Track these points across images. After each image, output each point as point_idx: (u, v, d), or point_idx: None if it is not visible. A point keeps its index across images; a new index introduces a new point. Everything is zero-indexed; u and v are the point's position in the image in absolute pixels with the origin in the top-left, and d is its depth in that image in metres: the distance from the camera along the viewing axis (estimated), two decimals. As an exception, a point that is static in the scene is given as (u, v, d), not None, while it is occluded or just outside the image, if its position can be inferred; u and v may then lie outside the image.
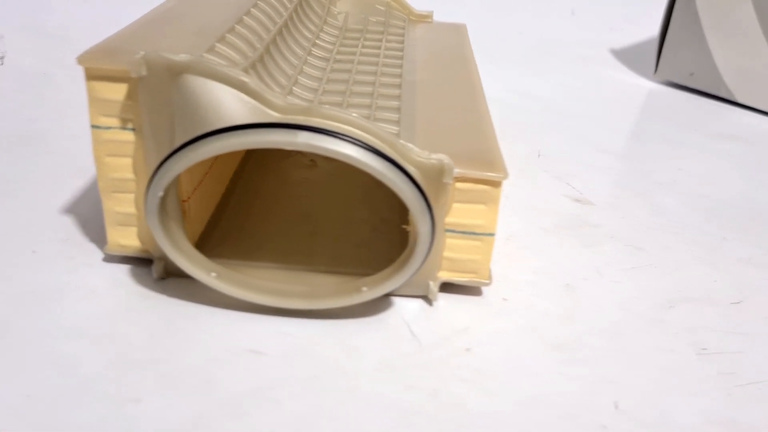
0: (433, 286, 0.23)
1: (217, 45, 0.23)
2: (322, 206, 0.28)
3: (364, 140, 0.20)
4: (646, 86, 0.51)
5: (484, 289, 0.25)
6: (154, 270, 0.23)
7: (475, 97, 0.29)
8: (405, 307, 0.23)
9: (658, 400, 0.20)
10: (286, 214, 0.27)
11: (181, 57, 0.20)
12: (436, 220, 0.21)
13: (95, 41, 0.23)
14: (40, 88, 0.39)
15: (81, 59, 0.21)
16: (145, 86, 0.21)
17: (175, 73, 0.20)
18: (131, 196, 0.23)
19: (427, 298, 0.24)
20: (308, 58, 0.29)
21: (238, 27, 0.25)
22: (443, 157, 0.21)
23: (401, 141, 0.21)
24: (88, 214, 0.27)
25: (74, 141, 0.33)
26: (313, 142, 0.19)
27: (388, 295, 0.24)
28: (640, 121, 0.44)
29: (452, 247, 0.23)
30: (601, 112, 0.45)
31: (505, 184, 0.25)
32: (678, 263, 0.28)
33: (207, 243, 0.25)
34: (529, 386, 0.21)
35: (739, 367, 0.22)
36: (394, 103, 0.26)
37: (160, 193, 0.20)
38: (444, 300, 0.24)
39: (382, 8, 0.39)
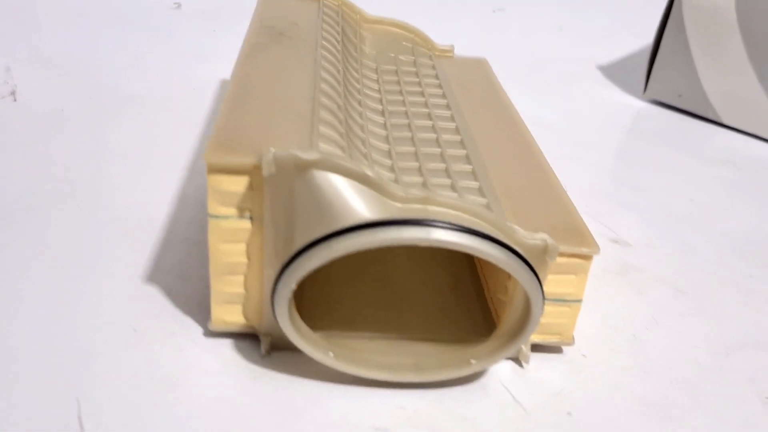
0: (525, 350, 0.25)
1: (322, 129, 0.23)
2: (394, 266, 0.29)
3: (483, 229, 0.21)
4: (636, 105, 0.53)
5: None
6: (263, 346, 0.24)
7: (532, 150, 0.30)
8: (499, 370, 0.25)
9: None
10: (362, 277, 0.28)
11: (310, 155, 0.21)
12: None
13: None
14: (62, 129, 0.38)
15: (207, 156, 0.21)
16: (270, 181, 0.21)
17: (301, 168, 0.21)
18: (241, 277, 0.23)
19: (517, 360, 0.25)
20: (366, 113, 0.30)
21: (323, 100, 0.26)
22: (546, 237, 0.23)
23: (508, 224, 0.22)
24: (174, 286, 0.27)
25: (122, 191, 0.33)
26: (445, 238, 0.21)
27: (480, 358, 0.25)
28: (640, 146, 0.46)
29: (545, 314, 0.25)
30: (601, 136, 0.47)
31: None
32: (721, 306, 0.30)
33: (302, 315, 0.25)
34: (631, 447, 0.23)
35: (799, 412, 0.25)
36: (467, 167, 0.27)
37: (293, 286, 0.21)
38: (530, 360, 0.26)
39: (409, 45, 0.40)
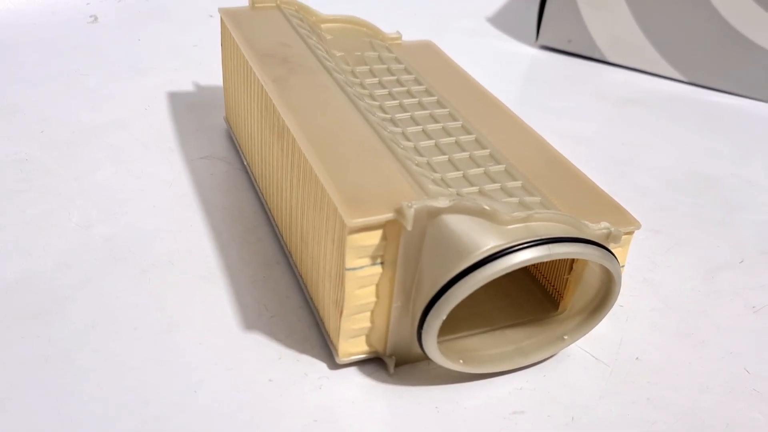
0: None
1: (415, 169, 0.26)
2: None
3: (578, 235, 0.26)
4: (530, 53, 0.59)
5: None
6: (390, 367, 0.27)
7: (527, 131, 0.34)
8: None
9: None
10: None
11: (442, 203, 0.24)
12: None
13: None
14: (37, 181, 0.36)
15: (348, 222, 0.23)
16: (408, 230, 0.24)
17: (433, 215, 0.24)
18: (368, 314, 0.26)
19: (578, 323, 0.31)
20: (393, 128, 0.33)
21: (385, 133, 0.28)
22: (608, 226, 0.28)
23: (584, 222, 0.27)
24: (270, 327, 0.29)
25: (159, 242, 0.33)
26: (561, 250, 0.25)
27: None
28: (548, 96, 0.52)
29: (597, 282, 0.30)
30: (513, 91, 0.52)
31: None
32: (688, 237, 0.37)
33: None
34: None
35: None
36: (500, 167, 0.31)
37: (444, 317, 0.24)
38: (587, 320, 0.31)
39: (366, 40, 0.42)
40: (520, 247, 0.24)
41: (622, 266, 0.30)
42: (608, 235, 0.27)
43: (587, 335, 0.30)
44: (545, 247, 0.25)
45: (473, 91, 0.38)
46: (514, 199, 0.29)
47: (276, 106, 0.30)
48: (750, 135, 0.49)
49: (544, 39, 0.59)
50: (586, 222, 0.27)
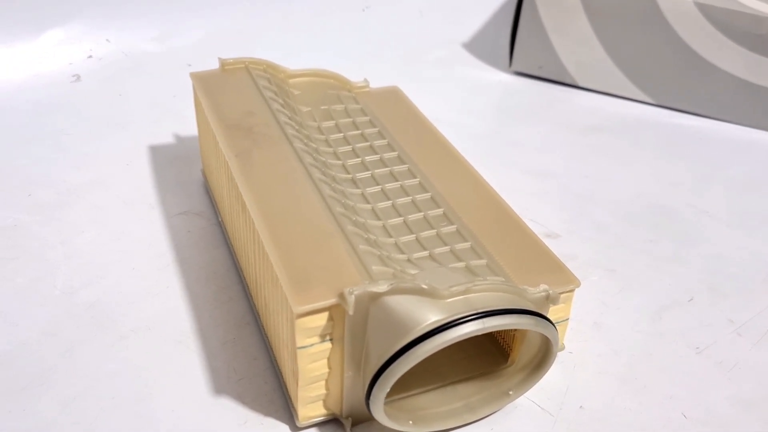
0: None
1: (362, 248, 0.28)
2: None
3: (513, 305, 0.28)
4: (504, 80, 0.61)
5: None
6: (347, 427, 0.29)
7: (480, 185, 0.36)
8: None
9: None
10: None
11: (381, 287, 0.26)
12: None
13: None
14: (27, 252, 0.39)
15: (295, 308, 0.25)
16: (354, 316, 0.26)
17: (374, 298, 0.26)
18: (323, 383, 0.28)
19: (528, 373, 0.33)
20: (350, 192, 0.35)
21: (338, 209, 0.30)
22: (547, 289, 0.30)
23: (522, 287, 0.29)
24: (239, 390, 0.31)
25: (134, 305, 0.35)
26: (494, 323, 0.27)
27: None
28: (520, 124, 0.54)
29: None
30: (483, 120, 0.54)
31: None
32: (640, 275, 0.39)
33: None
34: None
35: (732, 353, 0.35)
36: (452, 228, 0.33)
37: (387, 389, 0.26)
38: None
39: (333, 92, 0.44)
40: (457, 322, 0.27)
41: (566, 320, 0.32)
42: (547, 297, 0.30)
43: (536, 384, 0.32)
44: (479, 321, 0.27)
45: (433, 143, 0.40)
46: (461, 264, 0.31)
47: (237, 182, 0.33)
48: (711, 159, 0.51)
49: (516, 65, 0.61)
50: (525, 287, 0.29)
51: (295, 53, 0.60)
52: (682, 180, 0.48)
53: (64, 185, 0.43)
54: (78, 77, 0.49)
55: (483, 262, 0.31)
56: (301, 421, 0.29)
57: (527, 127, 0.54)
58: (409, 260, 0.31)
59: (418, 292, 0.27)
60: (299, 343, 0.27)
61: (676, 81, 0.56)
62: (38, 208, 0.41)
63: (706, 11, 0.53)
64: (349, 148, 0.39)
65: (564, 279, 0.31)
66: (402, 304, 0.26)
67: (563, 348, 0.33)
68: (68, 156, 0.46)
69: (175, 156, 0.46)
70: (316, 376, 0.28)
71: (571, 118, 0.56)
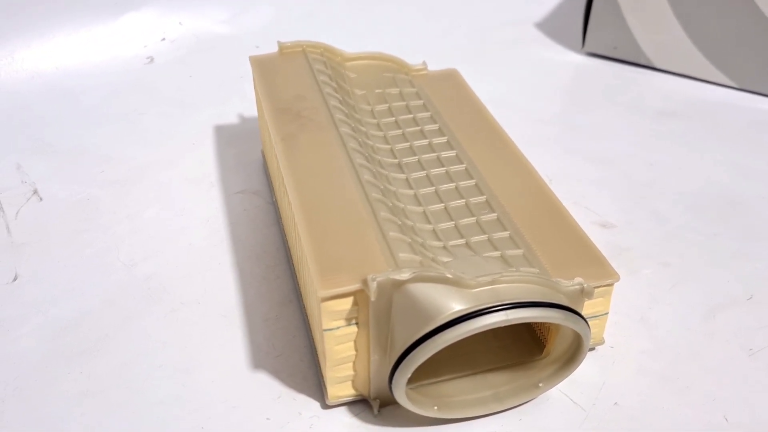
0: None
1: (392, 236, 0.29)
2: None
3: (543, 298, 0.27)
4: (576, 61, 0.59)
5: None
6: (375, 408, 0.30)
7: (530, 174, 0.36)
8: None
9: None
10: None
11: (403, 275, 0.26)
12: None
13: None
14: (97, 218, 0.41)
15: (321, 293, 0.26)
16: (377, 301, 0.26)
17: (397, 286, 0.26)
18: (350, 364, 0.29)
19: (564, 365, 0.32)
20: (393, 177, 0.35)
21: (374, 195, 0.31)
22: (582, 282, 0.29)
23: (554, 279, 0.29)
24: (275, 366, 0.32)
25: (187, 279, 0.37)
26: (519, 315, 0.27)
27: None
28: (587, 109, 0.53)
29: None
30: (550, 103, 0.53)
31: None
32: (698, 270, 0.38)
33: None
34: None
35: (773, 355, 0.33)
36: (493, 216, 0.33)
37: (409, 375, 0.27)
38: (574, 362, 0.33)
39: (389, 75, 0.44)
40: (480, 312, 0.27)
41: (606, 313, 0.31)
42: (581, 291, 0.29)
43: (572, 378, 0.32)
44: (503, 313, 0.27)
45: (485, 129, 0.39)
46: (497, 253, 0.31)
47: (280, 166, 0.34)
48: (794, 149, 0.48)
49: (590, 46, 0.59)
50: (559, 279, 0.29)
51: (361, 34, 0.60)
52: (756, 169, 0.45)
53: (135, 162, 0.46)
54: (152, 59, 0.51)
55: (519, 252, 0.31)
56: (331, 399, 0.30)
57: (596, 111, 0.53)
58: (444, 247, 0.31)
59: (442, 281, 0.27)
60: (325, 325, 0.27)
61: (761, 63, 0.53)
62: (110, 183, 0.44)
63: (798, -12, 0.50)
64: (399, 132, 0.39)
65: (603, 273, 0.30)
66: (426, 292, 0.27)
67: (603, 342, 0.33)
68: (139, 135, 0.48)
69: (238, 136, 0.48)
70: (342, 357, 0.29)
71: (644, 101, 0.53)
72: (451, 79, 0.45)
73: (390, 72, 0.45)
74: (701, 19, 0.54)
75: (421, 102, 0.42)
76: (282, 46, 0.43)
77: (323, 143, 0.35)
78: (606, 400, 0.31)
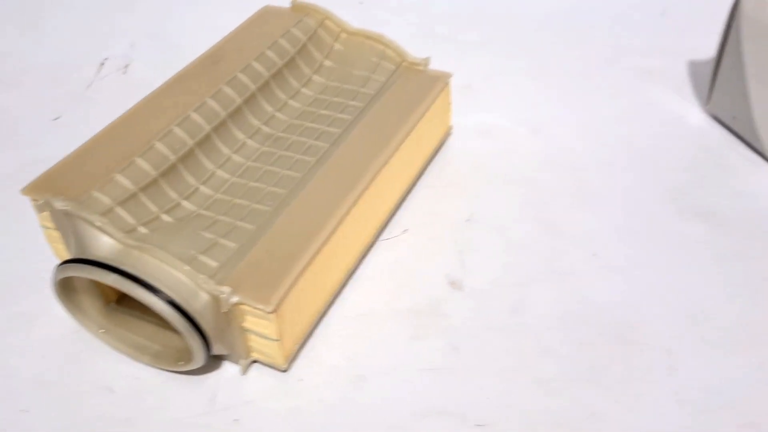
0: (243, 364, 0.32)
1: (117, 177, 0.33)
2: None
3: (176, 284, 0.29)
4: (693, 121, 0.48)
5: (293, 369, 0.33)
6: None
7: (341, 204, 0.34)
8: (228, 372, 0.33)
9: None
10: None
11: (60, 205, 0.31)
12: (210, 332, 0.30)
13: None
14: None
15: (26, 192, 0.33)
16: (54, 215, 0.32)
17: (65, 213, 0.31)
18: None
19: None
20: (245, 145, 0.38)
21: (157, 144, 0.35)
22: (225, 290, 0.30)
23: (204, 277, 0.30)
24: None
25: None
26: (127, 287, 0.29)
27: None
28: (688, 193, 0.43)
29: (254, 341, 0.32)
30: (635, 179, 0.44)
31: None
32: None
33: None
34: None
35: None
36: (266, 209, 0.34)
37: (60, 278, 0.32)
38: (256, 371, 0.33)
39: (376, 60, 0.44)
40: (96, 264, 0.30)
41: (275, 339, 0.31)
42: (218, 299, 0.30)
43: (237, 382, 0.33)
44: (114, 277, 0.29)
45: (379, 142, 0.38)
46: (213, 237, 0.33)
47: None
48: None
49: (713, 107, 0.47)
50: (207, 278, 0.30)
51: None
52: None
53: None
54: None
55: (233, 246, 0.32)
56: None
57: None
58: (193, 210, 0.34)
59: (89, 223, 0.31)
60: (41, 221, 0.34)
61: None
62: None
63: None
64: (313, 110, 0.41)
65: (261, 297, 0.30)
66: (85, 228, 0.31)
67: (285, 367, 0.32)
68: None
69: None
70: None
71: (717, 199, 0.42)
72: (430, 83, 0.43)
73: (378, 57, 0.44)
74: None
75: (371, 93, 0.42)
76: (294, 4, 0.46)
77: (195, 92, 0.39)
78: (234, 414, 0.31)
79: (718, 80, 0.46)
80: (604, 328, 0.35)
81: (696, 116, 0.48)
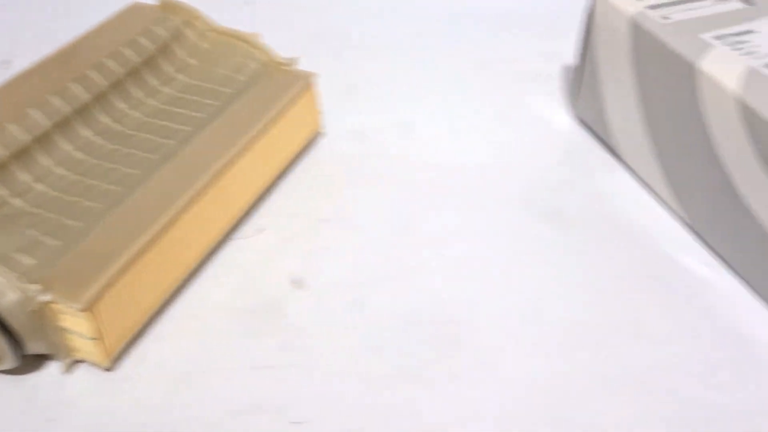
0: (66, 363, 0.32)
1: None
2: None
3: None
4: (563, 124, 0.49)
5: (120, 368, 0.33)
6: None
7: (176, 200, 0.34)
8: (53, 371, 0.33)
9: None
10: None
11: None
12: (22, 331, 0.30)
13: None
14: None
15: None
16: None
17: None
18: None
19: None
20: (88, 141, 0.37)
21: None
22: (33, 288, 0.29)
23: (18, 275, 0.29)
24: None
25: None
26: None
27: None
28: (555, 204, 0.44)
29: (74, 340, 0.31)
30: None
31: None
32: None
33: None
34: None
35: None
36: (97, 207, 0.33)
37: None
38: (83, 370, 0.33)
39: (241, 59, 0.44)
40: None
41: (93, 338, 0.31)
42: (25, 297, 0.29)
43: (59, 380, 0.32)
44: None
45: (227, 143, 0.38)
46: (36, 233, 0.32)
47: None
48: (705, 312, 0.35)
49: (579, 110, 0.48)
50: (20, 276, 0.30)
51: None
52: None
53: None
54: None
55: (57, 243, 0.32)
56: None
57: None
58: (23, 210, 0.33)
59: None
60: None
61: (710, 211, 0.38)
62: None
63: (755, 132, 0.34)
64: (166, 107, 0.41)
65: (71, 295, 0.30)
66: None
67: (107, 366, 0.32)
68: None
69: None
70: None
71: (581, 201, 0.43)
72: (294, 82, 0.43)
73: (244, 56, 0.44)
74: (666, 131, 0.40)
75: (231, 92, 0.42)
76: (162, 2, 0.46)
77: (38, 89, 0.38)
78: (49, 413, 0.31)
79: (582, 85, 0.47)
80: (439, 327, 0.35)
81: (564, 120, 0.49)
